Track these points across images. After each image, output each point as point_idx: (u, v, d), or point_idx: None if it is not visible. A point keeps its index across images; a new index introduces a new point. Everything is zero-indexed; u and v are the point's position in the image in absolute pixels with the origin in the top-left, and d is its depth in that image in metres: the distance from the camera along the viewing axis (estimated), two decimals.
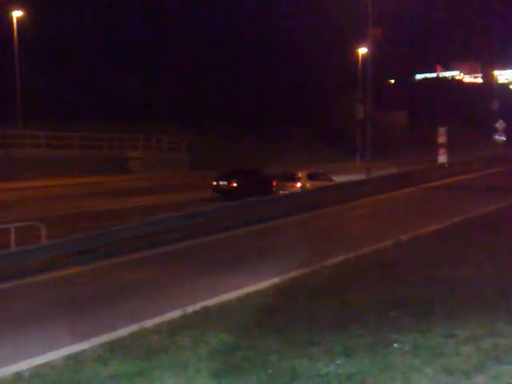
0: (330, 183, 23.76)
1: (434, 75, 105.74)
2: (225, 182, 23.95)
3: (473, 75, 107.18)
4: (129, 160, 36.08)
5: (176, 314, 8.30)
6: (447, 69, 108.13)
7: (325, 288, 9.05)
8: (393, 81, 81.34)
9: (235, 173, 24.73)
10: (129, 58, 50.02)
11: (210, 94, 49.92)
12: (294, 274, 10.31)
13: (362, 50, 43.50)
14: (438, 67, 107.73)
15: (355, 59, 45.46)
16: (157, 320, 8.12)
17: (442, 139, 31.80)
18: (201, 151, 39.05)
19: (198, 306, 8.61)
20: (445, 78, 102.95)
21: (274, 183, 23.67)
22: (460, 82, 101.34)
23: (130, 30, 51.13)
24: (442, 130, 32.03)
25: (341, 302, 8.10)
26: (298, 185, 23.35)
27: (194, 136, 41.12)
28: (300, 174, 24.11)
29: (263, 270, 11.08)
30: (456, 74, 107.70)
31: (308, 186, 23.19)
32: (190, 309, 8.44)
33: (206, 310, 8.40)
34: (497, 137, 41.45)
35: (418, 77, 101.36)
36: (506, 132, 40.89)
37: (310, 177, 23.70)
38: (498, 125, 40.74)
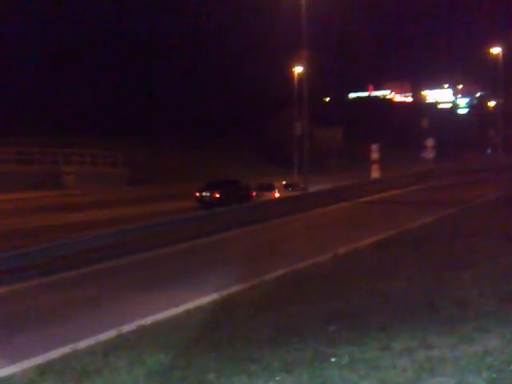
0: (303, 193, 25.08)
1: (366, 94, 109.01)
2: (207, 193, 24.97)
3: (403, 94, 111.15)
4: (62, 175, 35.15)
5: (111, 333, 8.06)
6: (379, 88, 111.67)
7: (264, 303, 9.04)
8: (328, 99, 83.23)
9: (217, 184, 25.84)
10: (65, 72, 48.94)
11: (149, 107, 49.49)
12: (233, 289, 10.26)
13: (298, 69, 44.34)
14: (370, 86, 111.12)
15: (292, 77, 46.28)
16: (91, 341, 7.85)
17: (374, 156, 32.79)
18: (140, 165, 38.58)
19: (135, 324, 8.40)
20: (377, 97, 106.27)
21: (253, 193, 25.10)
22: (391, 100, 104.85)
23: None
24: (374, 147, 33.05)
25: (280, 316, 8.10)
26: (277, 194, 25.72)
27: (133, 150, 40.62)
28: (277, 185, 26.48)
29: (202, 285, 10.97)
30: (387, 93, 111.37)
31: (285, 195, 25.40)
32: (126, 328, 8.22)
33: (143, 328, 8.21)
34: (426, 154, 43.03)
35: (352, 95, 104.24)
36: (434, 149, 42.53)
37: (286, 186, 26.61)
38: (427, 142, 42.32)
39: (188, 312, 9.04)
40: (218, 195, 24.73)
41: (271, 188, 26.03)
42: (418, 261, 11.04)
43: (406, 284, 9.47)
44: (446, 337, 6.24)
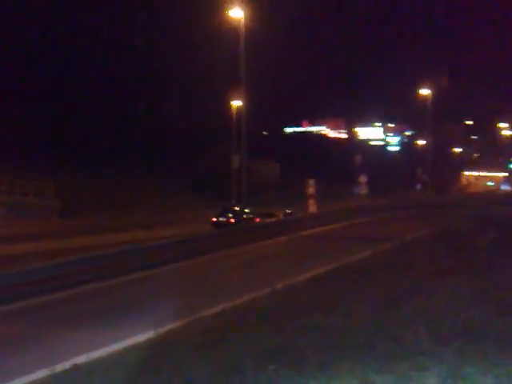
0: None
1: (301, 129, 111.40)
2: (224, 219, 29.20)
3: (337, 131, 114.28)
4: None
5: (41, 373, 7.69)
6: (314, 124, 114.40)
7: (202, 340, 8.89)
8: (265, 133, 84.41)
9: (230, 211, 30.29)
10: None
11: (81, 135, 48.47)
12: (170, 326, 10.05)
13: (237, 103, 44.92)
14: (305, 122, 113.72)
15: (230, 110, 46.79)
16: (23, 380, 7.48)
17: (310, 190, 33.40)
18: (73, 196, 37.56)
19: (68, 364, 8.06)
20: (312, 133, 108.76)
21: (257, 219, 29.19)
22: (326, 136, 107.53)
23: None
24: (310, 182, 33.68)
25: (218, 355, 7.98)
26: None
27: (65, 180, 39.57)
28: (277, 213, 30.98)
29: (138, 322, 10.71)
30: (322, 129, 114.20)
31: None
32: (58, 367, 7.87)
33: (76, 368, 7.89)
34: (359, 189, 44.22)
35: (288, 130, 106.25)
36: (367, 185, 43.77)
37: (286, 214, 30.87)
38: (360, 178, 43.55)
39: (125, 350, 8.77)
40: (232, 220, 28.97)
41: (271, 216, 30.17)
42: (356, 296, 11.20)
43: (344, 320, 9.57)
44: (386, 375, 6.33)
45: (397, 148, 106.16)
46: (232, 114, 46.31)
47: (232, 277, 16.50)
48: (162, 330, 9.72)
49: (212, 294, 13.39)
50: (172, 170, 50.34)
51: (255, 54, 34.12)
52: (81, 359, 8.29)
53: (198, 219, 33.84)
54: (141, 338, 9.46)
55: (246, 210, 30.42)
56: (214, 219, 29.19)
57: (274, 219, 29.55)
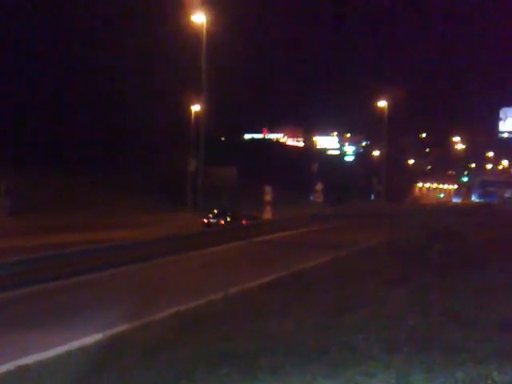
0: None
1: (260, 136, 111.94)
2: (214, 220, 30.33)
3: (295, 139, 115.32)
4: None
5: None
6: (272, 131, 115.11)
7: (154, 344, 8.78)
8: (223, 138, 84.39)
9: (221, 213, 31.23)
10: None
11: (32, 134, 47.33)
12: (122, 328, 9.89)
13: (196, 108, 44.81)
14: (264, 129, 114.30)
15: (189, 115, 46.60)
16: None
17: (268, 197, 33.54)
18: (23, 194, 36.57)
19: (12, 365, 7.83)
20: (271, 140, 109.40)
21: (244, 221, 30.03)
22: (284, 144, 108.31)
23: None
24: (268, 189, 33.82)
25: (170, 358, 7.89)
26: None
27: (16, 177, 38.48)
28: (260, 215, 32.40)
29: (86, 324, 10.50)
30: (280, 136, 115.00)
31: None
32: (2, 368, 7.64)
33: (21, 369, 7.67)
34: (315, 197, 44.71)
35: (247, 136, 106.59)
36: (323, 193, 44.29)
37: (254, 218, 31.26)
38: (316, 186, 44.04)
39: (69, 354, 8.58)
40: (222, 222, 30.04)
41: (256, 218, 31.33)
42: (308, 302, 11.28)
43: (296, 326, 9.62)
44: (334, 380, 6.38)
45: (352, 157, 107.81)
46: (191, 119, 46.13)
47: (189, 280, 16.40)
48: (113, 332, 9.57)
49: (165, 297, 13.26)
50: (129, 172, 49.71)
51: (216, 60, 34.13)
52: (28, 360, 8.09)
53: (154, 222, 33.50)
54: (88, 340, 9.28)
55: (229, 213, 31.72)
56: (206, 220, 30.07)
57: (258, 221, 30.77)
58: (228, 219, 30.24)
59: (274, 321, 10.16)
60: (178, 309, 11.27)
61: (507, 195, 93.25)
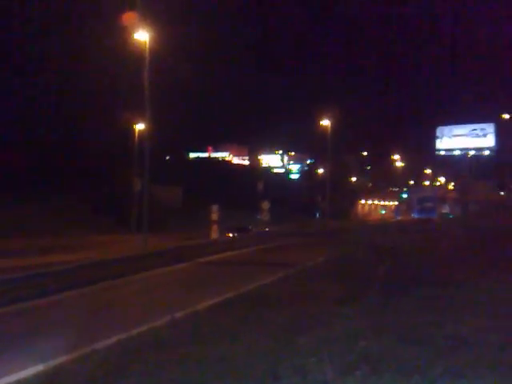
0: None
1: (206, 155, 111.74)
2: (229, 234, 37.27)
3: (241, 157, 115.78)
4: None
5: None
6: (218, 150, 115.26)
7: (94, 375, 8.33)
8: (168, 158, 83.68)
9: (235, 228, 38.53)
10: None
11: None
12: (61, 360, 9.38)
13: (139, 126, 44.20)
14: (210, 148, 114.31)
15: (133, 134, 45.91)
16: None
17: (214, 216, 33.22)
18: None
19: None
20: (216, 159, 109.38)
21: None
22: (230, 162, 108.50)
23: None
24: (214, 208, 33.52)
25: None
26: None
27: None
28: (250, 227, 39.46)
29: (25, 356, 9.93)
30: (226, 155, 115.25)
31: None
32: None
33: None
34: (262, 216, 44.71)
35: (192, 155, 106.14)
36: (269, 211, 44.35)
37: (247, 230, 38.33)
38: (262, 205, 44.06)
39: None
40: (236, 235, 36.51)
41: (245, 230, 38.75)
42: (257, 325, 11.05)
43: (247, 349, 9.38)
44: None
45: (297, 176, 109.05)
46: (135, 138, 45.42)
47: (129, 305, 15.87)
48: (52, 364, 9.05)
49: (106, 324, 12.75)
50: (70, 193, 48.27)
51: (159, 78, 33.80)
52: None
53: (98, 244, 32.58)
54: (29, 372, 8.75)
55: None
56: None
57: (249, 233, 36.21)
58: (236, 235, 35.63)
59: (223, 345, 9.88)
60: (120, 337, 10.81)
61: (444, 211, 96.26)
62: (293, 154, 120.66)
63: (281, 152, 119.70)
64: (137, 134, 44.98)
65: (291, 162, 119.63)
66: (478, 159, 79.40)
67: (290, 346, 8.84)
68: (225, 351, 9.27)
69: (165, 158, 79.35)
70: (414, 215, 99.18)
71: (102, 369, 8.72)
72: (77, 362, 9.31)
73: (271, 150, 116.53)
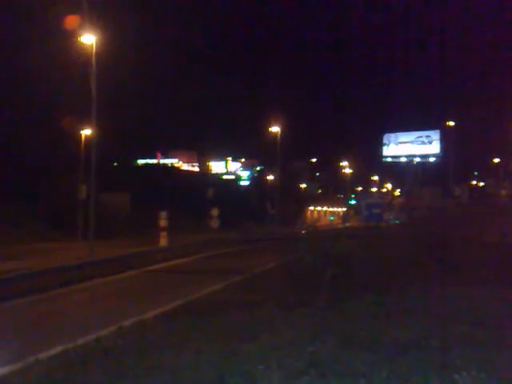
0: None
1: (155, 161, 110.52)
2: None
3: (190, 164, 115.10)
4: None
5: None
6: (167, 156, 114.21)
7: None
8: (116, 164, 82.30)
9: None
10: None
11: None
12: (2, 371, 9.06)
13: (86, 132, 43.40)
14: (158, 154, 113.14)
15: (80, 140, 44.99)
16: None
17: (163, 223, 32.79)
18: None
19: None
20: (165, 165, 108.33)
21: None
22: (179, 169, 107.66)
23: None
24: (163, 214, 33.09)
25: None
26: None
27: None
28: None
29: None
30: (175, 161, 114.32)
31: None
32: None
33: None
34: (211, 222, 44.51)
35: (141, 161, 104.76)
36: (219, 218, 44.19)
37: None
38: (212, 212, 43.88)
39: None
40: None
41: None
42: (206, 333, 10.98)
43: (195, 357, 9.30)
44: None
45: (247, 182, 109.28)
46: (81, 143, 44.50)
47: (74, 315, 15.49)
48: None
49: (51, 333, 12.41)
50: (13, 200, 46.69)
51: (105, 83, 33.16)
52: None
53: (43, 252, 31.70)
54: None
55: None
56: None
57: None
58: None
59: (170, 354, 9.76)
60: (66, 346, 10.53)
61: (391, 217, 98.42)
62: (243, 160, 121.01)
63: (230, 158, 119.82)
64: (83, 140, 44.12)
65: (241, 169, 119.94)
66: (424, 166, 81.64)
67: (239, 353, 8.82)
68: (171, 360, 9.17)
69: (112, 164, 77.98)
70: (362, 221, 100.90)
71: (46, 381, 8.47)
72: (17, 373, 9.02)
73: (221, 157, 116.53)
